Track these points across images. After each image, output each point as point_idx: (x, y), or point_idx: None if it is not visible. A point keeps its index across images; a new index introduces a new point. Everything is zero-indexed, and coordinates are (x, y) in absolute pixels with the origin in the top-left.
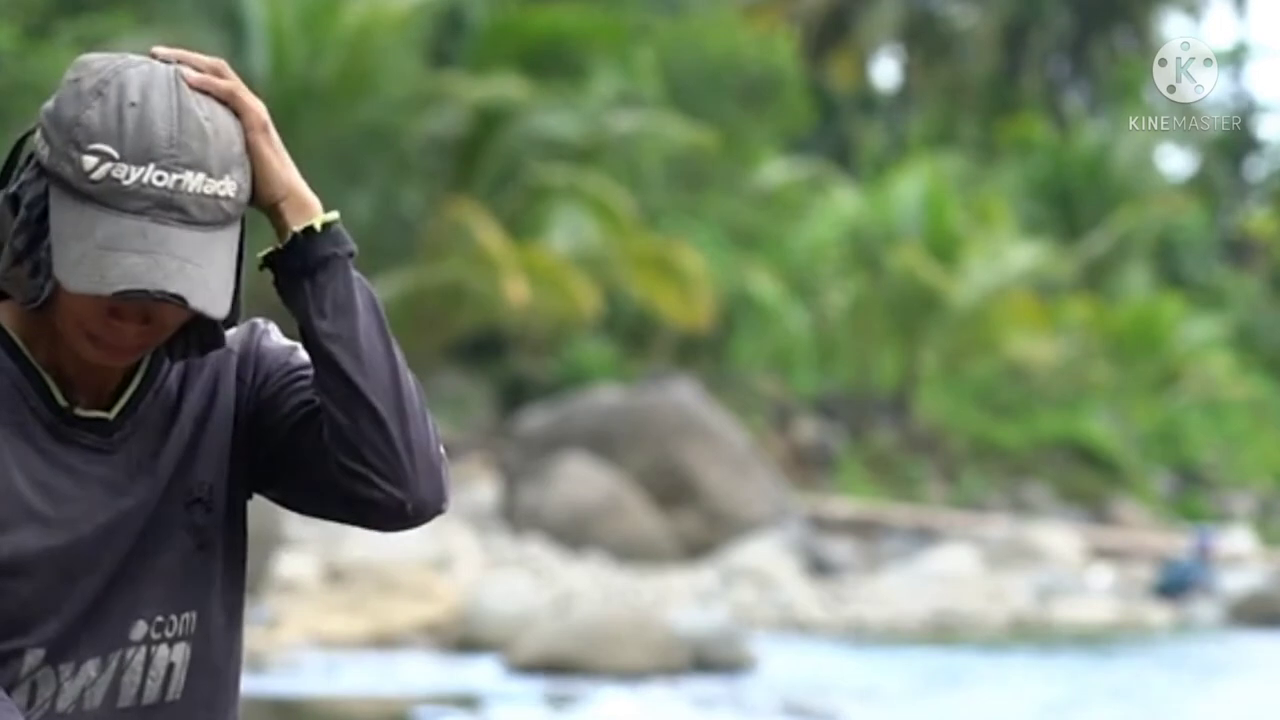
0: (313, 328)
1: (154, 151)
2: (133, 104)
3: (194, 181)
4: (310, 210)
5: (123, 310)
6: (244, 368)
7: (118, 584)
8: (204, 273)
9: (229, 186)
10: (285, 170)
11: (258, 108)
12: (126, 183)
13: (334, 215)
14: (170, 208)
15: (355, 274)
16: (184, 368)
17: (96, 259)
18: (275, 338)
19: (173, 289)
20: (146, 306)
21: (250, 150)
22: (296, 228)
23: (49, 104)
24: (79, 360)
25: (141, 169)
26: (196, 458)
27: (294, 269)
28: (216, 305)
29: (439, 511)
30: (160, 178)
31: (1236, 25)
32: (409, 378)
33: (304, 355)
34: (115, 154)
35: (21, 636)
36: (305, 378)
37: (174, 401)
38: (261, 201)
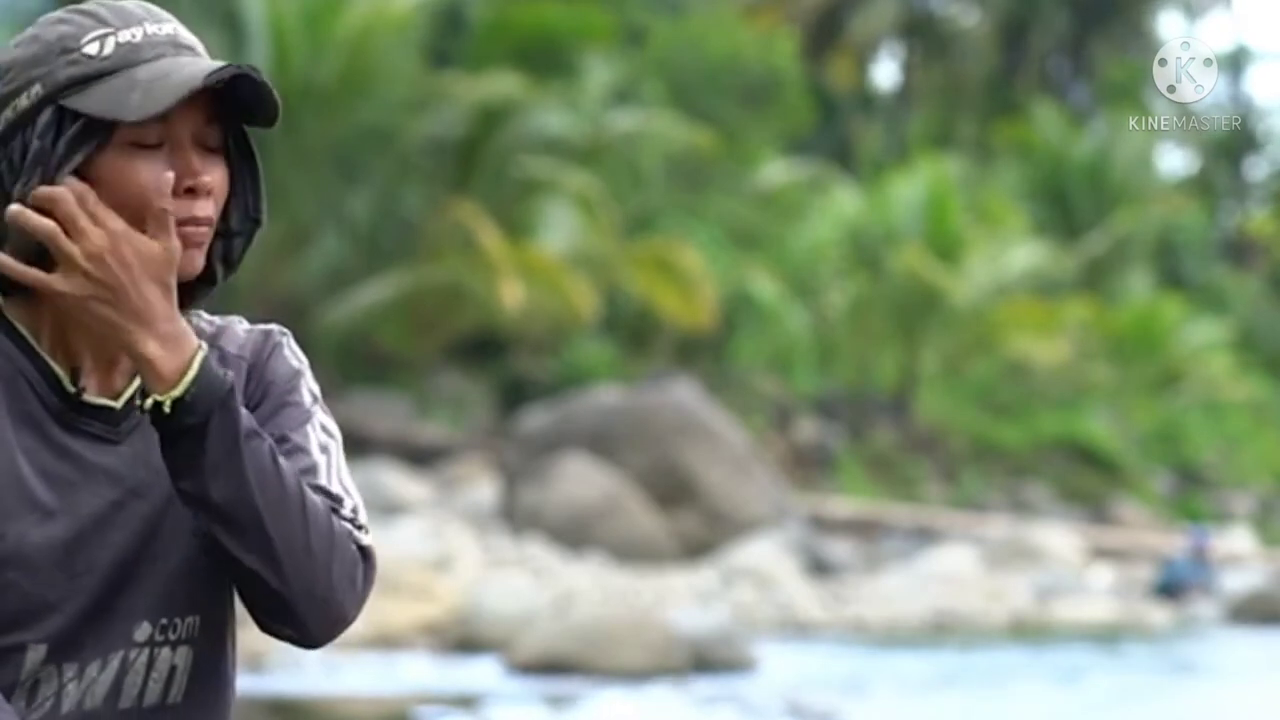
0: (174, 484)
1: (138, 16)
2: (95, 4)
3: (183, 31)
4: (165, 380)
5: (196, 174)
6: (250, 381)
7: (123, 583)
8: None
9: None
10: (142, 331)
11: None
12: (136, 40)
13: (185, 383)
14: (181, 46)
15: (221, 421)
16: None
17: (155, 85)
18: (285, 355)
19: (247, 65)
20: (206, 173)
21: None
22: (146, 402)
23: (9, 74)
24: (91, 343)
25: (139, 28)
26: None
27: (157, 431)
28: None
29: (341, 630)
30: (159, 29)
31: (1233, 27)
32: (290, 514)
33: (305, 393)
34: (110, 30)
35: (23, 631)
36: (288, 439)
37: None
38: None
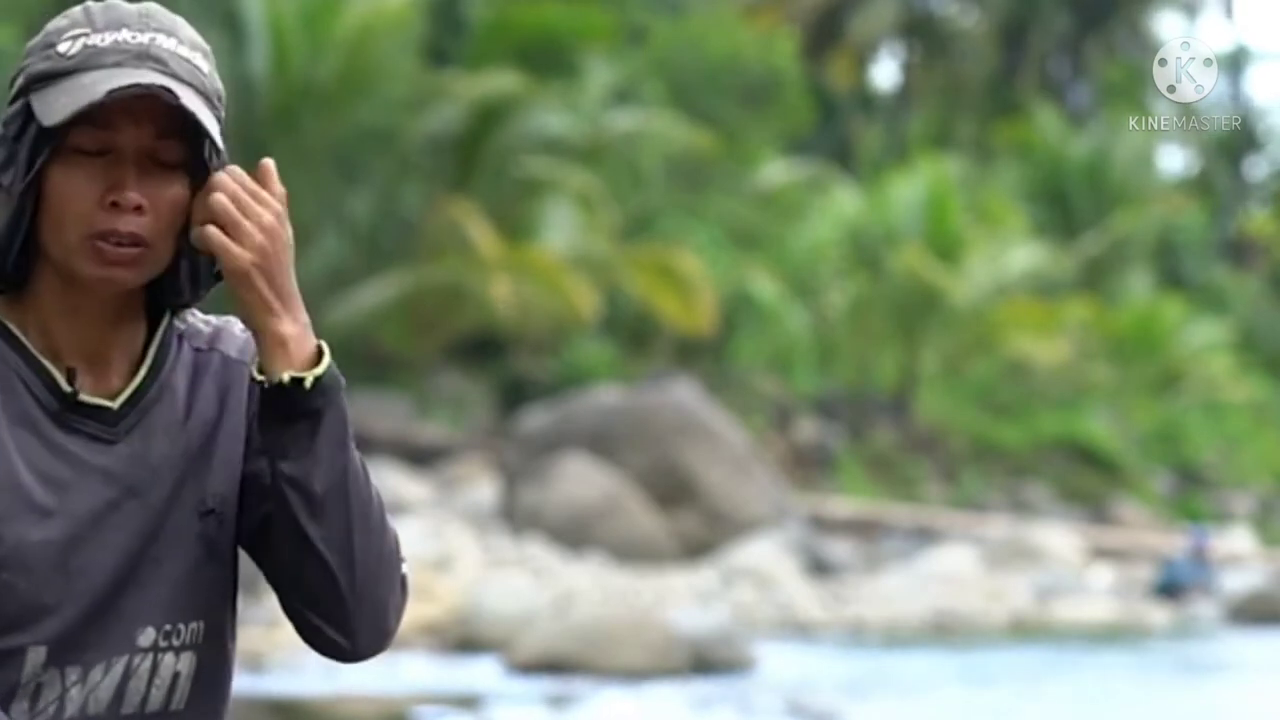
0: (273, 465)
1: (124, 20)
2: (98, 3)
3: (167, 42)
4: (295, 362)
5: (122, 188)
6: (253, 386)
7: (126, 588)
8: (191, 99)
9: (203, 65)
10: (285, 312)
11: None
12: (102, 45)
13: (324, 365)
14: (146, 57)
15: (335, 413)
16: (192, 373)
17: (82, 90)
18: None
19: (160, 84)
20: (148, 189)
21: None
22: (284, 375)
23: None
24: (77, 342)
25: (115, 32)
26: (210, 467)
27: (273, 410)
28: (209, 125)
29: (382, 648)
30: (134, 36)
31: (1231, 27)
32: (373, 522)
33: None
34: (87, 30)
35: (21, 633)
36: None
37: (183, 406)
38: (249, 324)
